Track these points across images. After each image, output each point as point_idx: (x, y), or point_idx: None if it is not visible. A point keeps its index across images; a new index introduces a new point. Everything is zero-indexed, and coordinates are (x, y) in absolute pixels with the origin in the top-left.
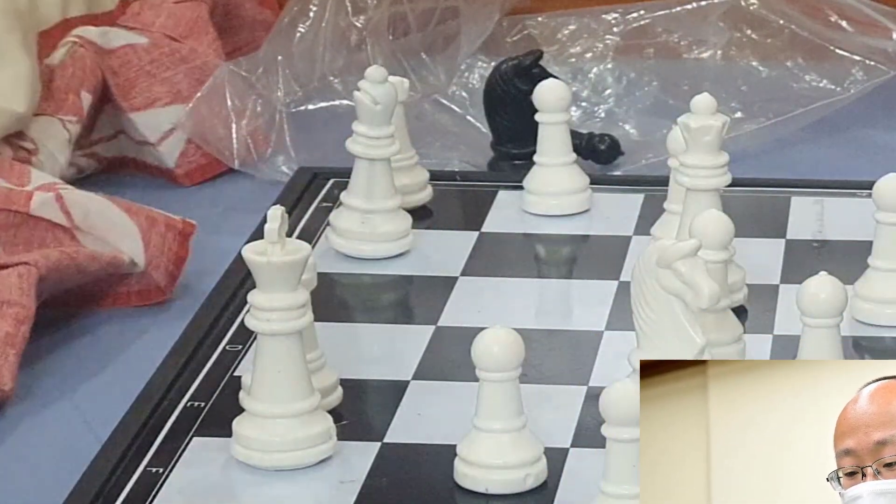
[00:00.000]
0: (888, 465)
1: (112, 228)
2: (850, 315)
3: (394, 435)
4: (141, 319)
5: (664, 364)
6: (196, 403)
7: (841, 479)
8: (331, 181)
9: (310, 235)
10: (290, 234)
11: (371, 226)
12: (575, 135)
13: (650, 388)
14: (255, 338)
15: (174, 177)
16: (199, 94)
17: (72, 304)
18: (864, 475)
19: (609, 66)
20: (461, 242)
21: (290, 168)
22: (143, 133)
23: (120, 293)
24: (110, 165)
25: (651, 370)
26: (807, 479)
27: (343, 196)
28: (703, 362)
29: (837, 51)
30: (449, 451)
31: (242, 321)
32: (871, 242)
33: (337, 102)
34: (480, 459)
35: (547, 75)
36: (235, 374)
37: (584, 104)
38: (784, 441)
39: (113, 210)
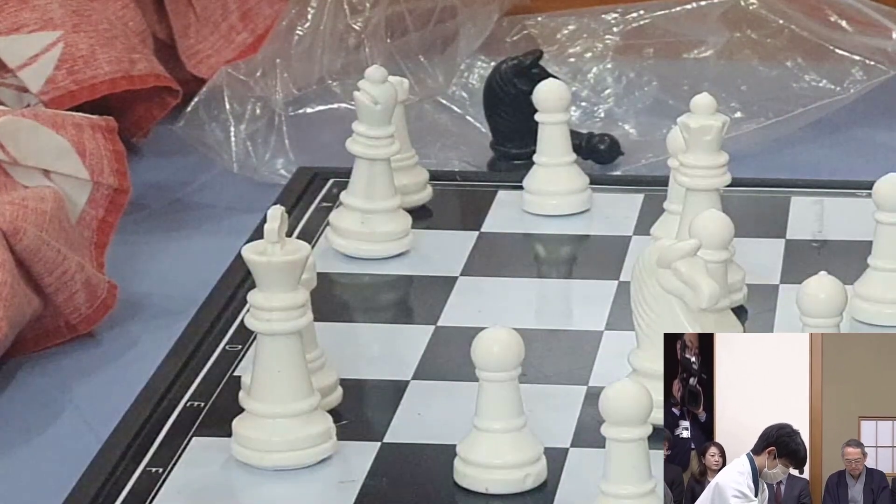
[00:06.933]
0: None
1: (45, 151)
2: (850, 315)
3: (394, 435)
4: (141, 319)
5: None
6: (196, 403)
7: None
8: (331, 181)
9: (310, 235)
10: (290, 234)
11: (371, 226)
12: (575, 135)
13: None
14: (255, 338)
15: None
16: (197, 98)
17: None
18: None
19: (609, 66)
20: (461, 242)
21: (289, 171)
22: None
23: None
24: None
25: None
26: None
27: (343, 196)
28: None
29: (837, 51)
30: (449, 451)
31: (242, 321)
32: (871, 242)
33: (336, 106)
34: (480, 459)
35: (547, 75)
36: (235, 374)
37: (583, 104)
38: None
39: (41, 130)
